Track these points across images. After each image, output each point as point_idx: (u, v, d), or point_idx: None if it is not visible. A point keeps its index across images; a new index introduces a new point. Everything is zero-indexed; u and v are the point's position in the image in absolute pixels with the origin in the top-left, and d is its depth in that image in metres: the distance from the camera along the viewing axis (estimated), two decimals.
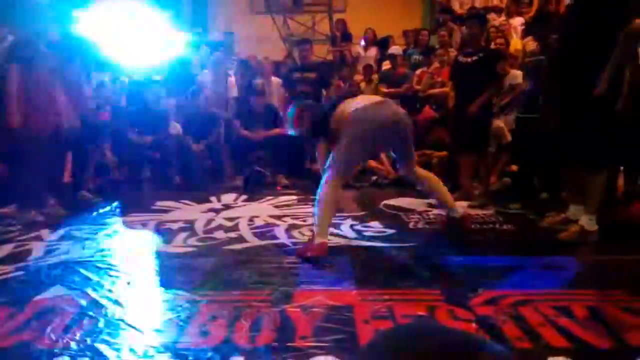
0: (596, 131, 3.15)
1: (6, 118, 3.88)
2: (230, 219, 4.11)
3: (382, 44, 8.18)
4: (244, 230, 3.77)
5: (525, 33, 6.18)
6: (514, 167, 5.00)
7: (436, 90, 6.30)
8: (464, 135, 4.48)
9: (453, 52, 6.68)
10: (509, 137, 5.06)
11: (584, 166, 3.29)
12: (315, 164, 6.02)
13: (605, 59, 3.04)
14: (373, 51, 8.33)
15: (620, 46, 3.02)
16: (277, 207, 4.60)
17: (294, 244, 3.36)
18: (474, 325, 2.08)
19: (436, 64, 6.63)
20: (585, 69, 3.12)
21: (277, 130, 6.04)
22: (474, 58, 4.41)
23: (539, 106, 3.78)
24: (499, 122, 5.22)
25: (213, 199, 4.99)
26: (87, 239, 3.58)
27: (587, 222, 3.28)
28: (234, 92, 6.86)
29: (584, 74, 3.13)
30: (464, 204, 4.49)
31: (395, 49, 7.04)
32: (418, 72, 6.88)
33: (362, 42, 8.49)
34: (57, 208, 4.31)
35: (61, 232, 3.77)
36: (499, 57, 4.65)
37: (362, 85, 7.43)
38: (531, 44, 4.80)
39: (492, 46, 5.66)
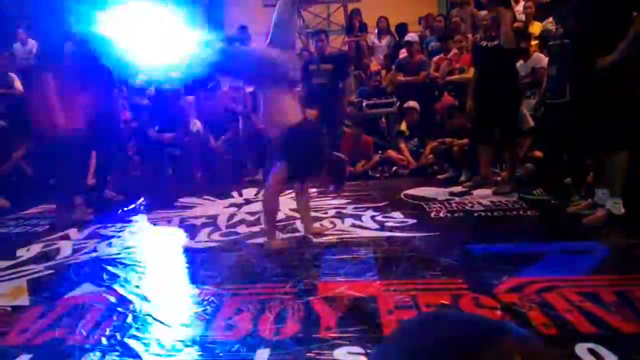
0: (617, 112, 3.08)
1: (50, 122, 3.96)
2: (252, 213, 4.14)
3: (399, 31, 8.10)
4: None
5: (545, 14, 6.07)
6: (538, 153, 4.91)
7: (455, 77, 6.22)
8: (486, 123, 4.42)
9: (471, 38, 6.59)
10: (532, 122, 4.97)
11: (605, 146, 3.22)
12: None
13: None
14: (387, 40, 8.25)
15: (637, 24, 2.94)
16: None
17: (317, 236, 3.37)
18: (498, 312, 2.07)
19: (455, 50, 6.53)
20: (606, 50, 3.05)
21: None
22: (496, 42, 4.34)
23: (564, 91, 3.70)
24: (521, 107, 5.13)
25: (234, 194, 5.04)
26: (113, 236, 3.66)
27: (613, 205, 3.22)
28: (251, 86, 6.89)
29: (605, 55, 3.06)
30: (485, 191, 4.45)
31: (411, 36, 6.95)
32: (436, 59, 6.79)
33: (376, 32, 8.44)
34: (84, 208, 4.40)
35: (88, 230, 3.85)
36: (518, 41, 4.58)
37: (383, 73, 7.38)
38: (552, 26, 4.69)
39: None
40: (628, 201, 3.26)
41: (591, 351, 1.72)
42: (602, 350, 1.72)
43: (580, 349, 1.74)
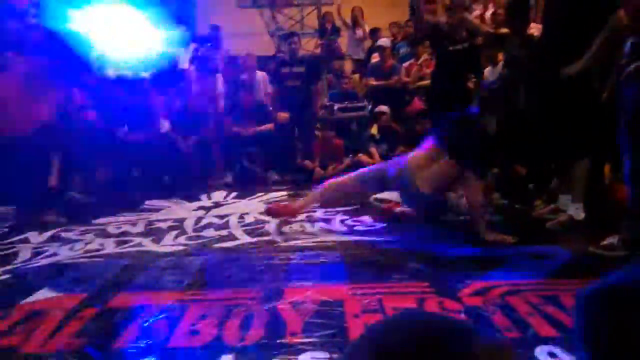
0: (581, 120, 3.16)
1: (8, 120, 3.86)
2: (221, 217, 4.09)
3: (372, 35, 8.16)
4: (234, 227, 3.76)
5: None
6: None
7: (425, 82, 6.29)
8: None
9: None
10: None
11: (569, 155, 3.31)
12: (306, 160, 6.03)
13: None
14: (361, 32, 8.31)
15: (601, 38, 3.01)
16: (267, 203, 4.58)
17: (285, 240, 3.35)
18: (463, 316, 2.09)
19: (425, 56, 6.62)
20: (570, 60, 3.12)
21: (267, 126, 6.02)
22: (457, 47, 4.47)
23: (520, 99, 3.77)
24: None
25: (203, 196, 4.98)
26: (75, 240, 3.55)
27: (575, 211, 3.30)
28: (221, 88, 6.82)
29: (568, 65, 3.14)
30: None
31: (383, 41, 7.01)
32: (406, 64, 6.87)
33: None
34: (48, 210, 4.27)
35: (49, 233, 3.74)
36: (480, 49, 4.73)
37: (356, 77, 7.43)
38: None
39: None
40: (589, 206, 3.35)
41: (551, 354, 1.75)
42: (560, 353, 1.75)
43: (540, 351, 1.77)
